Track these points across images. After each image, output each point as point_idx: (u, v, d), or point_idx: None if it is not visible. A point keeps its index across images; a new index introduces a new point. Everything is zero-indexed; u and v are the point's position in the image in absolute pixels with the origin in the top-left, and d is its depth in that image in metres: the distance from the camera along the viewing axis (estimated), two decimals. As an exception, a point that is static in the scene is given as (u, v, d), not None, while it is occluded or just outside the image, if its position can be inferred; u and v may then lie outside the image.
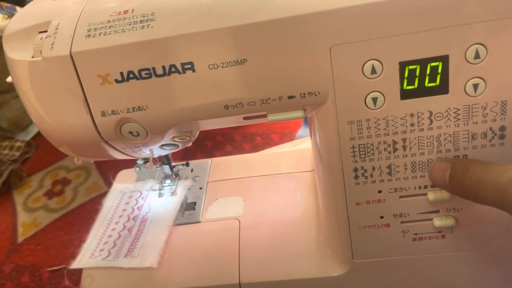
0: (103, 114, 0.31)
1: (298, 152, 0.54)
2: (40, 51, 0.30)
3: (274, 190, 0.49)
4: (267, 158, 0.54)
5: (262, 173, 0.51)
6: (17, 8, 0.83)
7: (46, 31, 0.31)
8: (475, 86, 0.29)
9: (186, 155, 0.71)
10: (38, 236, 0.62)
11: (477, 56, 0.28)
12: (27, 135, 0.82)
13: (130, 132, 0.32)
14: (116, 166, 0.60)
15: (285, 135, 0.71)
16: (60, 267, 0.56)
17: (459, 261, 0.37)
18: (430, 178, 0.32)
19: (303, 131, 0.71)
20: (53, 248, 0.59)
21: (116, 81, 0.30)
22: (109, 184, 0.59)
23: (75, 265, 0.43)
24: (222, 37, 0.28)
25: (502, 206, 0.27)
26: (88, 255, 0.44)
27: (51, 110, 0.32)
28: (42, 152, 0.79)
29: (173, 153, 0.47)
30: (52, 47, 0.30)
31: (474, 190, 0.28)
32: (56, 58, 0.29)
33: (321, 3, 0.27)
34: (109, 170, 0.71)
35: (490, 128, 0.30)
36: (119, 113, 0.31)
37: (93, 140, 0.33)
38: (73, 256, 0.45)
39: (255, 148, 0.70)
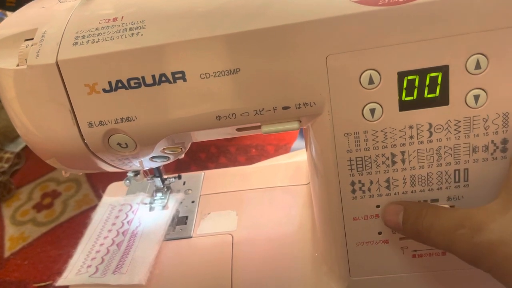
0: (90, 124, 0.30)
1: (294, 164, 0.53)
2: (26, 59, 0.29)
3: (269, 204, 0.47)
4: (262, 170, 0.53)
5: (256, 186, 0.50)
6: (8, 14, 0.82)
7: (32, 39, 0.30)
8: (476, 98, 0.28)
9: (179, 167, 0.70)
10: (25, 251, 0.60)
11: (478, 66, 0.27)
12: (17, 147, 0.80)
13: (119, 144, 0.31)
14: (108, 178, 0.59)
15: (281, 147, 0.70)
16: (47, 283, 0.54)
17: (460, 279, 0.35)
18: (383, 221, 0.32)
19: (299, 143, 0.70)
20: (41, 263, 0.57)
21: (104, 90, 0.29)
22: (100, 197, 0.58)
23: (61, 282, 0.42)
24: (214, 45, 0.27)
25: (451, 250, 0.27)
26: (74, 272, 0.42)
27: (36, 121, 0.30)
28: (32, 163, 0.77)
29: (165, 165, 0.46)
30: (38, 55, 0.29)
31: (426, 235, 0.28)
32: (41, 66, 0.28)
33: (317, 11, 0.26)
34: (100, 182, 0.69)
35: (492, 141, 0.29)
36: (107, 124, 0.30)
37: (81, 152, 0.31)
38: (61, 271, 0.43)
39: (250, 160, 0.69)
